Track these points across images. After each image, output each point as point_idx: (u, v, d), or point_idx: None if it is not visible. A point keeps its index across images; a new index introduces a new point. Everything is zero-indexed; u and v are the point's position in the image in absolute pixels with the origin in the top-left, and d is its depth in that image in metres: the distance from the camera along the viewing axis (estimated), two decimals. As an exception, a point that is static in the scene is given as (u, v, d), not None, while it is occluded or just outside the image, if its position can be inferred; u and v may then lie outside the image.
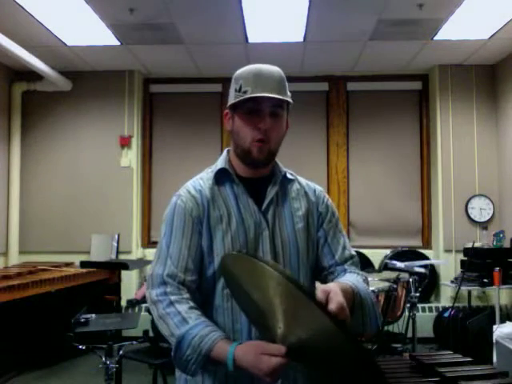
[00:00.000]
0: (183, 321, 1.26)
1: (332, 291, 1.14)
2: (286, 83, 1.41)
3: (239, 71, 1.41)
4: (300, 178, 1.54)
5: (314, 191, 1.51)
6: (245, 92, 1.34)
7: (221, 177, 1.44)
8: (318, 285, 1.19)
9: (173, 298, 1.30)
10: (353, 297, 1.27)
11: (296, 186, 1.49)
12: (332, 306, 1.10)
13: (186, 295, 1.32)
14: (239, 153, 1.41)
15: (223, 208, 1.39)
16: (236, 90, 1.37)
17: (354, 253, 1.49)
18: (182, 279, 1.33)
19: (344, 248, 1.47)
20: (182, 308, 1.28)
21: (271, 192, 1.42)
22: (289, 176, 1.49)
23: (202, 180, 1.45)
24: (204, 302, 1.37)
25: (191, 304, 1.30)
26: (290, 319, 1.06)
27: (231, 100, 1.40)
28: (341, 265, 1.45)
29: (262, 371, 1.12)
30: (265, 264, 1.08)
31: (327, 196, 1.54)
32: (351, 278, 1.38)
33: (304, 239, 1.42)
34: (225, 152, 1.50)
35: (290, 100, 1.39)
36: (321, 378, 1.18)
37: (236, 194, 1.41)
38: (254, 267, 1.10)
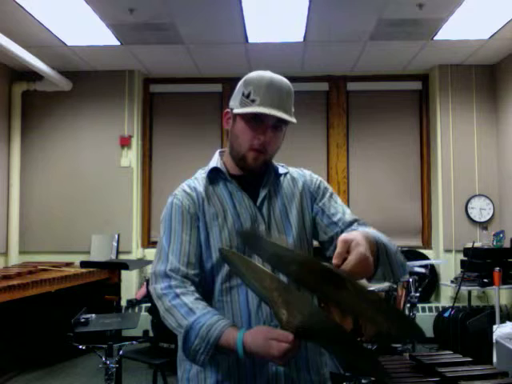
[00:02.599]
0: (190, 311, 1.27)
1: (354, 241, 1.12)
2: (293, 97, 1.42)
3: (251, 76, 1.41)
4: (291, 169, 1.56)
5: (304, 176, 1.54)
6: (253, 101, 1.35)
7: (214, 176, 1.47)
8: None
9: (178, 290, 1.31)
10: (376, 245, 1.23)
11: (288, 177, 1.52)
12: (352, 257, 1.09)
13: (191, 288, 1.33)
14: (234, 155, 1.44)
15: (218, 205, 1.42)
16: (243, 95, 1.38)
17: (357, 217, 1.46)
18: (185, 273, 1.35)
19: (344, 214, 1.46)
20: (188, 299, 1.30)
21: (265, 187, 1.45)
22: (281, 170, 1.52)
23: (196, 179, 1.49)
24: (203, 297, 1.38)
25: (197, 295, 1.32)
26: (290, 308, 1.10)
27: (235, 102, 1.41)
28: (346, 229, 1.41)
29: (272, 356, 1.13)
30: (256, 262, 1.14)
31: (315, 175, 1.55)
32: (369, 230, 1.34)
33: (301, 228, 1.45)
34: (217, 152, 1.53)
35: (293, 121, 1.39)
36: (332, 352, 1.24)
37: (230, 191, 1.44)
38: (248, 264, 1.16)
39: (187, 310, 1.28)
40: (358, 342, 1.09)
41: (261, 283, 1.14)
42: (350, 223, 1.44)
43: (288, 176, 1.52)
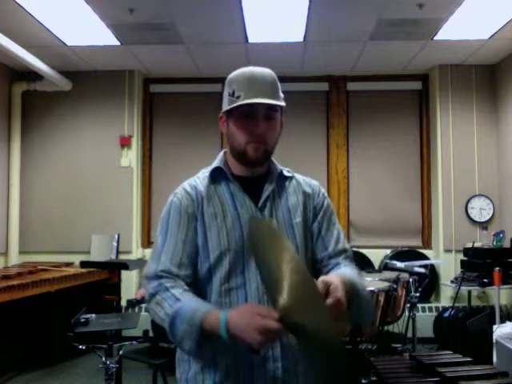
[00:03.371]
0: (177, 301, 1.29)
1: (332, 284, 1.18)
2: (279, 85, 1.42)
3: (232, 75, 1.43)
4: (297, 175, 1.56)
5: (310, 185, 1.53)
6: (238, 97, 1.36)
7: (216, 176, 1.47)
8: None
9: (168, 284, 1.34)
10: (351, 290, 1.29)
11: (293, 182, 1.52)
12: (330, 300, 1.15)
13: (181, 283, 1.35)
14: (235, 154, 1.44)
15: (218, 205, 1.41)
16: (229, 94, 1.39)
17: (347, 247, 1.50)
18: (175, 273, 1.36)
19: (337, 241, 1.48)
20: (177, 291, 1.32)
21: (268, 189, 1.45)
22: (286, 173, 1.51)
23: (198, 179, 1.49)
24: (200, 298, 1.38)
25: (186, 288, 1.34)
26: (292, 293, 1.10)
27: (225, 104, 1.42)
28: (334, 258, 1.46)
29: (253, 328, 1.11)
30: (283, 236, 1.17)
31: (323, 190, 1.56)
32: (348, 271, 1.39)
33: (302, 234, 1.44)
34: (221, 153, 1.53)
35: (282, 104, 1.40)
36: (305, 352, 1.23)
37: (232, 191, 1.44)
38: (275, 235, 1.18)
39: (174, 299, 1.30)
40: (345, 356, 1.08)
41: (278, 257, 1.13)
42: (339, 253, 1.47)
43: (294, 182, 1.51)
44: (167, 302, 1.30)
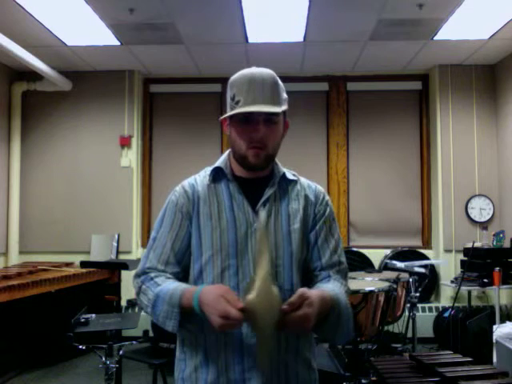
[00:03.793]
0: (158, 286, 1.35)
1: (308, 299, 1.19)
2: (280, 87, 1.40)
3: (233, 77, 1.41)
4: (302, 179, 1.52)
5: (314, 191, 1.50)
6: (237, 102, 1.35)
7: (218, 175, 1.46)
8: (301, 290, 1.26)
9: (152, 275, 1.39)
10: (331, 308, 1.30)
11: (297, 186, 1.48)
12: (299, 313, 1.17)
13: (167, 275, 1.39)
14: (237, 158, 1.43)
15: (215, 205, 1.41)
16: (230, 98, 1.38)
17: (343, 260, 1.46)
18: (161, 270, 1.40)
19: (332, 253, 1.44)
20: (160, 279, 1.37)
21: (268, 192, 1.42)
22: (290, 177, 1.48)
23: (199, 177, 1.49)
24: None
25: (169, 276, 1.38)
26: (258, 296, 1.16)
27: (227, 108, 1.41)
28: (325, 270, 1.43)
29: (216, 310, 1.17)
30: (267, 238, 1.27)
31: (327, 197, 1.52)
32: (335, 287, 1.38)
33: (299, 240, 1.41)
34: (226, 152, 1.51)
35: (280, 110, 1.37)
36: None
37: (231, 192, 1.42)
38: (265, 237, 1.23)
39: (156, 285, 1.35)
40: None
41: (263, 257, 1.19)
42: (332, 265, 1.44)
43: (297, 186, 1.48)
44: (150, 289, 1.36)
